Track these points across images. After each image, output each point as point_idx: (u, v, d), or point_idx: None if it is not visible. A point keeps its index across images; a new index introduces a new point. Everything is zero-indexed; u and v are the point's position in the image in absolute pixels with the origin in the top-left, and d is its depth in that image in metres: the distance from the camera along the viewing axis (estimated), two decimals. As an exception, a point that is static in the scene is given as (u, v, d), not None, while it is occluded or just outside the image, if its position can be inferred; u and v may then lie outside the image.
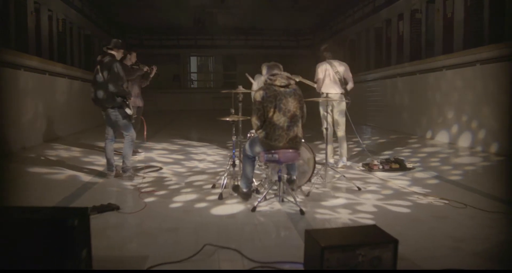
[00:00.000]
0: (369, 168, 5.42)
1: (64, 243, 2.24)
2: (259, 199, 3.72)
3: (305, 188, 4.34)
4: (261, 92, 3.61)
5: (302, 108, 3.70)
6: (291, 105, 3.61)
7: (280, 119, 3.57)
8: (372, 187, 4.57)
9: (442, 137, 7.89)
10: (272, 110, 3.55)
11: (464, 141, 7.16)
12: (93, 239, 2.96)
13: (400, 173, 5.26)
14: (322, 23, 17.83)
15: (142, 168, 5.49)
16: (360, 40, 14.23)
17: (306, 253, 2.39)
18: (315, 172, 4.48)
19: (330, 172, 4.90)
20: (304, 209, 3.65)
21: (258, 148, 3.68)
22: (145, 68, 6.35)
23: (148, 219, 3.49)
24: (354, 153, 6.81)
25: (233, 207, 3.79)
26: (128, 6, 15.79)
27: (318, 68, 5.74)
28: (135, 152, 6.59)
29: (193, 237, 3.02)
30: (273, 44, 20.26)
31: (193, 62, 21.73)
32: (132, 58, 6.36)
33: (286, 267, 2.54)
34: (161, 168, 5.56)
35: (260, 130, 3.63)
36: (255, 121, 3.63)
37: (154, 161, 6.17)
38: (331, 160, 5.77)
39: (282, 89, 3.62)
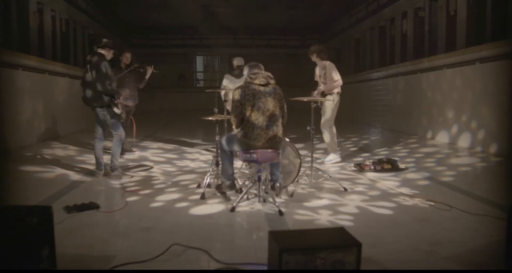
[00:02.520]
0: (360, 168, 5.34)
1: (23, 242, 2.25)
2: (237, 199, 3.69)
3: (290, 188, 4.29)
4: (239, 90, 3.59)
5: (282, 108, 3.68)
6: (270, 104, 3.58)
7: (258, 118, 3.54)
8: (360, 188, 4.50)
9: (442, 137, 7.74)
10: (250, 108, 3.53)
11: (464, 142, 7.02)
12: (67, 238, 3.01)
13: (392, 173, 5.17)
14: (327, 22, 17.69)
15: (133, 167, 5.50)
16: (365, 39, 14.09)
17: (269, 255, 2.35)
18: (301, 172, 4.43)
19: (319, 172, 4.83)
20: (284, 210, 3.61)
21: (236, 147, 3.65)
22: (121, 73, 6.21)
23: (125, 218, 3.50)
24: (348, 153, 6.74)
25: (213, 207, 3.77)
26: (133, 6, 15.87)
27: (334, 66, 5.80)
28: (129, 151, 6.63)
29: (165, 237, 3.00)
30: (278, 43, 20.21)
31: (200, 61, 21.79)
32: (123, 59, 6.36)
33: (251, 268, 2.51)
34: (151, 167, 5.57)
35: (239, 129, 3.60)
36: (233, 119, 3.62)
37: (147, 160, 6.19)
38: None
39: (261, 88, 3.60)
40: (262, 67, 3.80)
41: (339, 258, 2.21)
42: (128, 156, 6.42)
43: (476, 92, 6.83)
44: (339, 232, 2.39)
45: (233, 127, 3.71)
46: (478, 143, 6.65)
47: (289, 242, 2.23)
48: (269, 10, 17.29)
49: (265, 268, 2.44)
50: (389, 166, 5.34)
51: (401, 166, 5.39)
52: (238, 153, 3.78)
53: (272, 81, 3.63)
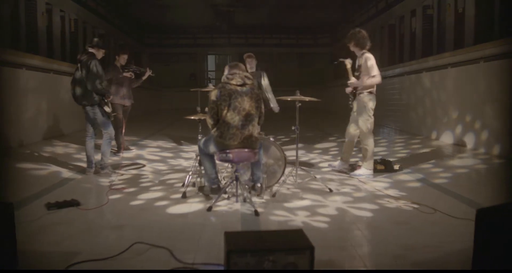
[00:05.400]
0: (352, 169, 5.23)
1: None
2: (213, 200, 3.67)
3: (274, 188, 4.24)
4: (216, 91, 3.58)
5: (258, 108, 3.64)
6: (247, 104, 3.55)
7: (234, 117, 3.52)
8: (346, 189, 4.41)
9: (446, 138, 7.53)
10: (226, 108, 3.51)
11: (468, 142, 6.81)
12: (40, 234, 3.06)
13: (384, 174, 5.05)
14: (338, 21, 17.49)
15: (125, 165, 5.56)
16: (375, 37, 13.85)
17: (224, 256, 2.32)
18: (287, 172, 4.38)
19: (311, 173, 4.75)
20: (261, 210, 3.58)
21: (213, 147, 3.64)
22: (128, 74, 6.39)
23: (102, 215, 3.53)
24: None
25: (191, 206, 3.77)
26: (145, 5, 16.08)
27: (373, 58, 4.81)
28: (127, 149, 6.70)
29: (135, 235, 3.00)
30: (290, 42, 20.11)
31: (211, 60, 21.91)
32: (120, 60, 6.45)
33: (208, 268, 2.49)
34: (143, 166, 5.61)
35: (215, 129, 3.59)
36: (208, 120, 3.62)
37: (142, 158, 6.24)
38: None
39: (238, 87, 3.57)
40: (242, 67, 3.77)
41: (291, 261, 2.16)
42: (125, 154, 6.48)
43: (480, 92, 6.62)
44: (296, 235, 2.34)
45: (209, 127, 3.70)
46: (481, 144, 6.44)
47: (240, 243, 2.19)
48: (281, 9, 17.24)
49: (222, 268, 2.42)
50: (382, 167, 5.22)
51: (395, 167, 5.26)
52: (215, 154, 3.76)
53: (249, 81, 3.60)
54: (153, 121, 13.69)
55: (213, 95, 3.56)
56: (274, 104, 6.16)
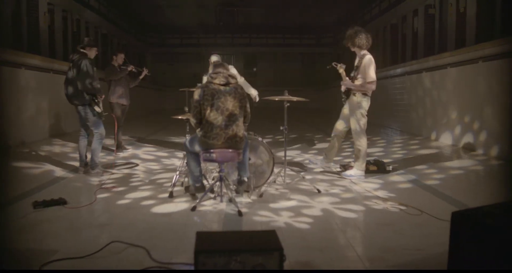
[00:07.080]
0: (344, 169, 5.19)
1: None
2: (197, 200, 3.67)
3: (262, 188, 4.23)
4: (199, 90, 3.58)
5: (242, 107, 3.63)
6: (230, 103, 3.55)
7: (217, 117, 3.51)
8: (335, 190, 4.38)
9: (446, 139, 7.45)
10: (209, 108, 3.51)
11: (466, 143, 6.72)
12: (23, 232, 3.09)
13: (376, 175, 5.01)
14: (341, 21, 17.40)
15: (118, 165, 5.59)
16: (377, 37, 13.76)
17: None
18: (275, 172, 4.36)
19: (301, 173, 4.73)
20: (245, 210, 3.57)
21: (197, 147, 3.64)
22: (130, 68, 6.46)
23: (86, 214, 3.55)
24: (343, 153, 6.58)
25: (177, 205, 3.77)
26: (148, 5, 16.15)
27: (373, 64, 4.70)
28: (123, 148, 6.74)
29: (116, 233, 3.02)
30: (293, 42, 20.05)
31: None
32: (118, 59, 6.50)
33: (182, 268, 2.49)
34: (136, 165, 5.64)
35: (199, 129, 3.60)
36: (192, 119, 3.62)
37: (136, 157, 6.27)
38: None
39: (222, 87, 3.56)
40: (227, 66, 3.77)
41: (260, 262, 2.15)
42: (121, 153, 6.52)
43: (479, 92, 6.53)
44: (268, 236, 2.32)
45: (194, 127, 3.70)
46: (480, 145, 6.35)
47: (210, 244, 2.19)
48: (285, 9, 17.20)
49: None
50: (375, 168, 5.17)
51: (388, 168, 5.22)
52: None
53: (233, 81, 3.59)
54: (154, 120, 13.76)
55: (196, 94, 3.56)
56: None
